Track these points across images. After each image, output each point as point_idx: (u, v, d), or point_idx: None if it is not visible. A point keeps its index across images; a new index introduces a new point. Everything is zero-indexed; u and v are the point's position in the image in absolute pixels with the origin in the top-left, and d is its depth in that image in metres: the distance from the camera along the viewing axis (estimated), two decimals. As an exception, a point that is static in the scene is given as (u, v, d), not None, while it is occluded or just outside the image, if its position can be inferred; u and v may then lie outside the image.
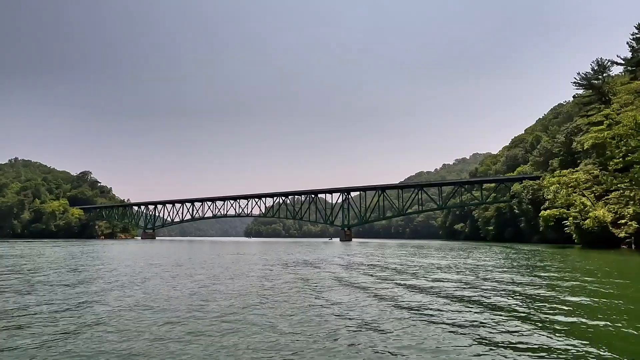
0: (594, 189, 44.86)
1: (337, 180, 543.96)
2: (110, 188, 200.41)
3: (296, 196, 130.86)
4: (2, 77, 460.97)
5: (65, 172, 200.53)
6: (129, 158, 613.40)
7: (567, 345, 6.21)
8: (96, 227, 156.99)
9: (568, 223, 46.53)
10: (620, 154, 40.12)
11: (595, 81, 58.75)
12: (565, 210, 46.06)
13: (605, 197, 43.48)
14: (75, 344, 6.03)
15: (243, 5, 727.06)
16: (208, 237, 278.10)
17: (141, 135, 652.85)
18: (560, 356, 5.68)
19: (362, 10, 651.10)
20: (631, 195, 39.86)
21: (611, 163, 41.43)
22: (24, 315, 8.19)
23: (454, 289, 12.50)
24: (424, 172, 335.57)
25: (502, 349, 5.99)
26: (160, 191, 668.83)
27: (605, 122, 48.62)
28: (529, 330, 7.13)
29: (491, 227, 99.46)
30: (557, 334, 6.84)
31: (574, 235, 47.68)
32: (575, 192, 45.39)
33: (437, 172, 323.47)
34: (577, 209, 43.03)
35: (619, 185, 40.92)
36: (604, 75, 57.62)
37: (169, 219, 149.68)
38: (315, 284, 13.58)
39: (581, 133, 60.69)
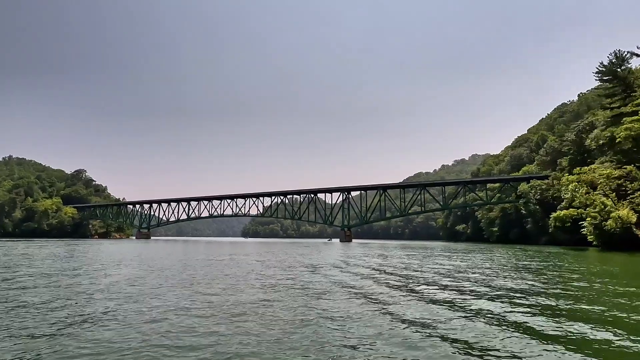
0: (623, 187, 41.66)
1: (337, 180, 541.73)
2: (106, 187, 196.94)
3: (295, 196, 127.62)
4: (2, 76, 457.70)
5: (59, 171, 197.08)
6: (129, 158, 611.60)
7: None
8: (90, 226, 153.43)
9: (585, 224, 43.75)
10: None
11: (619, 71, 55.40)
12: (582, 211, 43.28)
13: (631, 197, 40.71)
14: None
15: (243, 5, 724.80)
16: (204, 237, 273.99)
17: (141, 135, 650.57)
18: None
19: (362, 10, 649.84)
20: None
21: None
22: None
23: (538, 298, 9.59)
24: (422, 172, 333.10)
25: None
26: (160, 191, 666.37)
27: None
28: None
29: (495, 229, 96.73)
30: None
31: (591, 237, 44.92)
32: (594, 191, 42.56)
33: (436, 173, 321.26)
34: (597, 209, 40.23)
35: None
36: (622, 68, 54.81)
37: (164, 218, 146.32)
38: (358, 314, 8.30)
39: (595, 129, 58.03)
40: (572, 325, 7.27)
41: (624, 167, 44.03)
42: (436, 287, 12.79)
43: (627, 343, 6.14)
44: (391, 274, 17.03)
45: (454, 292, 11.76)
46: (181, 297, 10.24)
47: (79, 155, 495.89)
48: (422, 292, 11.60)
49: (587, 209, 42.24)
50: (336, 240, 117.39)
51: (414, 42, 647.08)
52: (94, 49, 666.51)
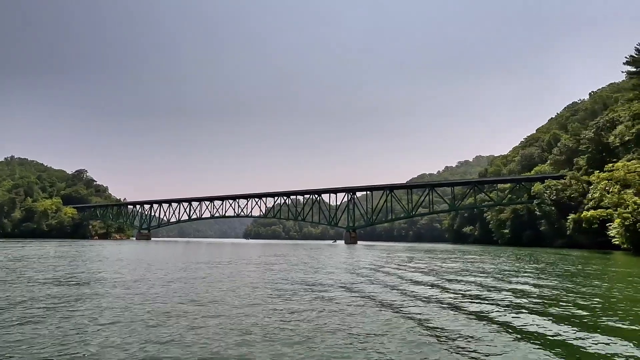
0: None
1: (337, 180, 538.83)
2: (107, 187, 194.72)
3: (298, 196, 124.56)
4: (3, 76, 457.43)
5: (61, 171, 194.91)
6: (129, 158, 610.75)
7: None
8: (90, 227, 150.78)
9: (614, 225, 40.70)
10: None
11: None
12: (612, 211, 40.24)
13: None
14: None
15: (243, 5, 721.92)
16: (205, 239, 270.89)
17: (141, 135, 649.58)
18: None
19: (362, 10, 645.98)
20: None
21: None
22: None
23: None
24: (426, 174, 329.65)
25: None
26: (160, 191, 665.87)
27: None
28: None
29: (506, 230, 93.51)
30: None
31: (617, 240, 41.87)
32: (625, 190, 39.50)
33: (439, 174, 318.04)
34: (630, 209, 37.16)
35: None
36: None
37: (165, 219, 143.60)
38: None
39: (617, 125, 54.96)
40: None
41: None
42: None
43: None
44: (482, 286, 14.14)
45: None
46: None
47: (80, 156, 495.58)
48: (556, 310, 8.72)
49: (618, 209, 39.18)
50: (341, 242, 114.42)
51: (414, 42, 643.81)
52: (94, 49, 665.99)
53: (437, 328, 7.26)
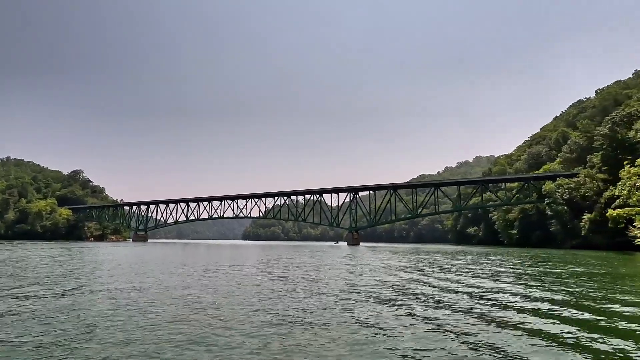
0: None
1: (337, 180, 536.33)
2: (103, 188, 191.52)
3: (299, 196, 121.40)
4: (2, 76, 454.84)
5: (56, 172, 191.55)
6: (129, 158, 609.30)
7: None
8: (85, 228, 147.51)
9: (639, 224, 37.98)
10: None
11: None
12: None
13: None
14: None
15: (243, 5, 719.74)
16: (203, 240, 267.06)
17: (141, 135, 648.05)
18: None
19: (362, 10, 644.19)
20: None
21: None
22: None
23: None
24: (426, 174, 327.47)
25: None
26: (160, 191, 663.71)
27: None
28: None
29: (514, 231, 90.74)
30: None
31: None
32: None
33: (439, 175, 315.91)
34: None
35: None
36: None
37: (162, 220, 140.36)
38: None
39: (635, 120, 52.29)
40: None
41: None
42: None
43: None
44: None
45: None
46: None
47: (80, 156, 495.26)
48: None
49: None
50: (343, 244, 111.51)
51: (414, 42, 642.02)
52: (94, 48, 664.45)
53: None
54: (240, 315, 8.15)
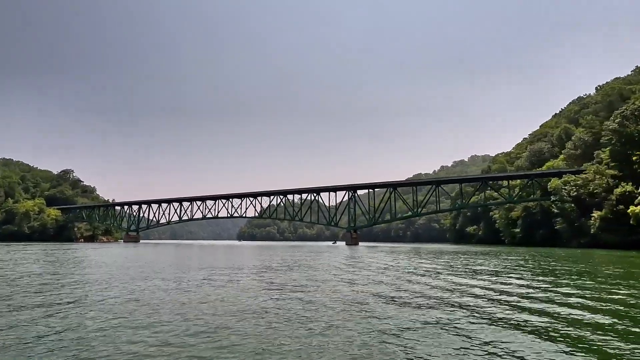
0: None
1: (337, 180, 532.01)
2: (94, 187, 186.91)
3: (295, 195, 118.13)
4: (2, 76, 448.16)
5: (46, 171, 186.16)
6: (129, 158, 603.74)
7: None
8: (75, 229, 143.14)
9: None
10: None
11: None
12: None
13: None
14: None
15: (243, 5, 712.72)
16: (196, 241, 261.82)
17: (141, 135, 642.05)
18: None
19: (362, 10, 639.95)
20: None
21: None
22: None
23: None
24: (422, 173, 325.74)
25: None
26: (159, 192, 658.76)
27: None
28: None
29: (517, 229, 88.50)
30: None
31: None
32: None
33: (435, 174, 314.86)
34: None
35: None
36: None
37: (155, 220, 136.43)
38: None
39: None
40: None
41: None
42: None
43: None
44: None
45: None
46: None
47: (80, 156, 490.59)
48: None
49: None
50: (341, 244, 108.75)
51: (414, 42, 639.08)
52: (93, 48, 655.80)
53: None
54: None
